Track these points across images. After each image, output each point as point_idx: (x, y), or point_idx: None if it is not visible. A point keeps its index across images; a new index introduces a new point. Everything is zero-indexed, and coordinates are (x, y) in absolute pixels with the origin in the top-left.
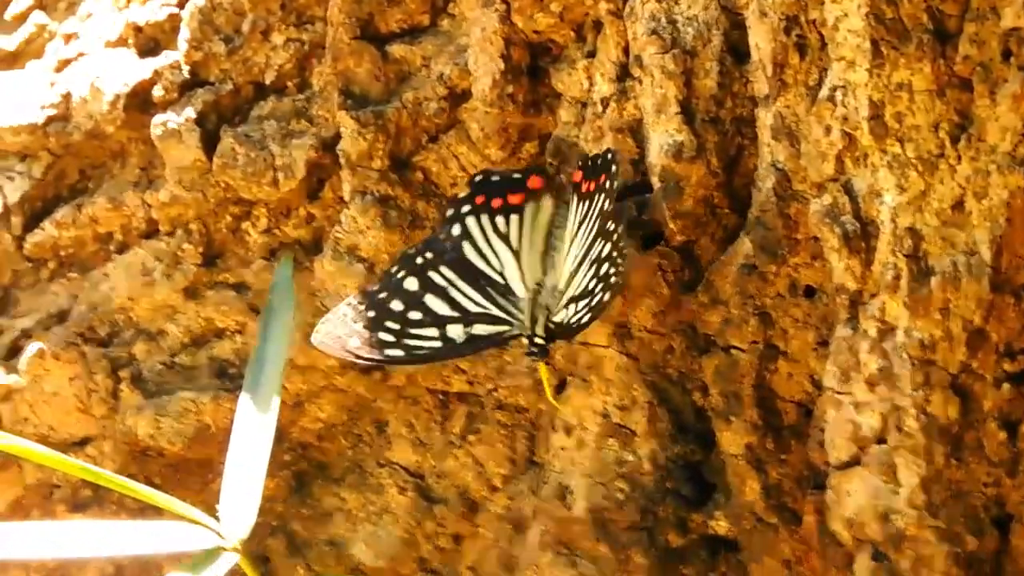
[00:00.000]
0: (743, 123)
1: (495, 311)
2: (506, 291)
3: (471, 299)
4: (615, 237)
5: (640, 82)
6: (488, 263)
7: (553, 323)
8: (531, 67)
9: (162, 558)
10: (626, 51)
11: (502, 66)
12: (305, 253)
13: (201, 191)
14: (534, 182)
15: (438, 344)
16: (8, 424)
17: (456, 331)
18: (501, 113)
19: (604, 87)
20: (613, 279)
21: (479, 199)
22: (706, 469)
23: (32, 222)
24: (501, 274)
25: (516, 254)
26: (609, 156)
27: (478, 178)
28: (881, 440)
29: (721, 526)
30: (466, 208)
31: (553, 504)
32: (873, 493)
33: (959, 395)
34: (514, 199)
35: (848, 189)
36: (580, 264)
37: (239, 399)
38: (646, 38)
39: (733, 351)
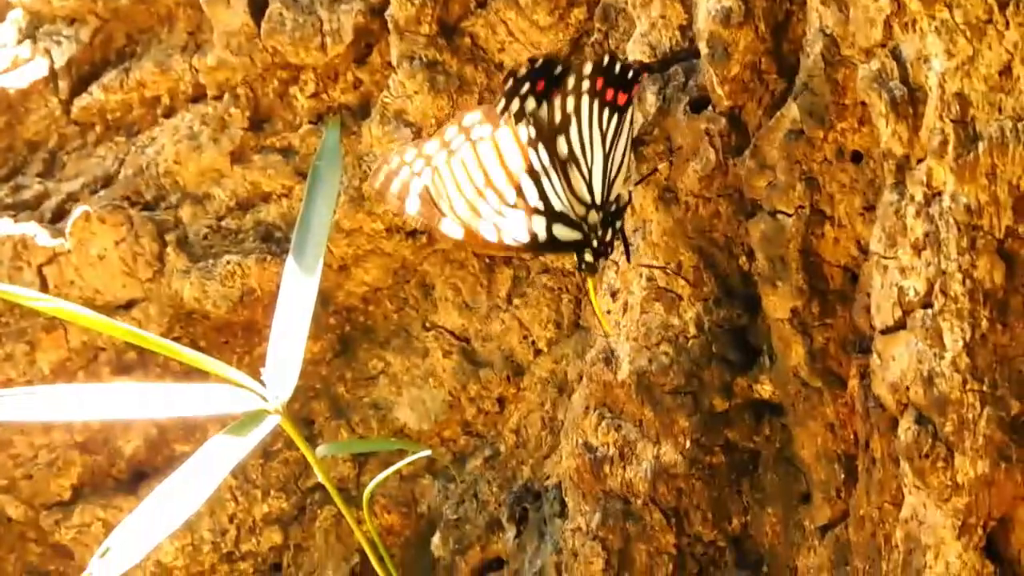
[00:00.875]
0: None
1: (573, 215)
2: (587, 192)
3: (557, 193)
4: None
5: None
6: (584, 154)
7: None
8: None
9: (206, 420)
10: None
11: None
12: (353, 118)
13: (248, 56)
14: (636, 90)
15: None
16: (54, 287)
17: (540, 225)
18: None
19: None
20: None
21: (599, 82)
22: (751, 333)
23: (79, 86)
24: (590, 171)
25: (606, 157)
26: (635, 70)
27: (605, 61)
28: (927, 305)
29: (766, 390)
30: (587, 85)
31: (598, 368)
32: (918, 357)
33: (1005, 260)
34: (621, 98)
35: (896, 55)
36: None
37: (285, 262)
38: None
39: (779, 216)
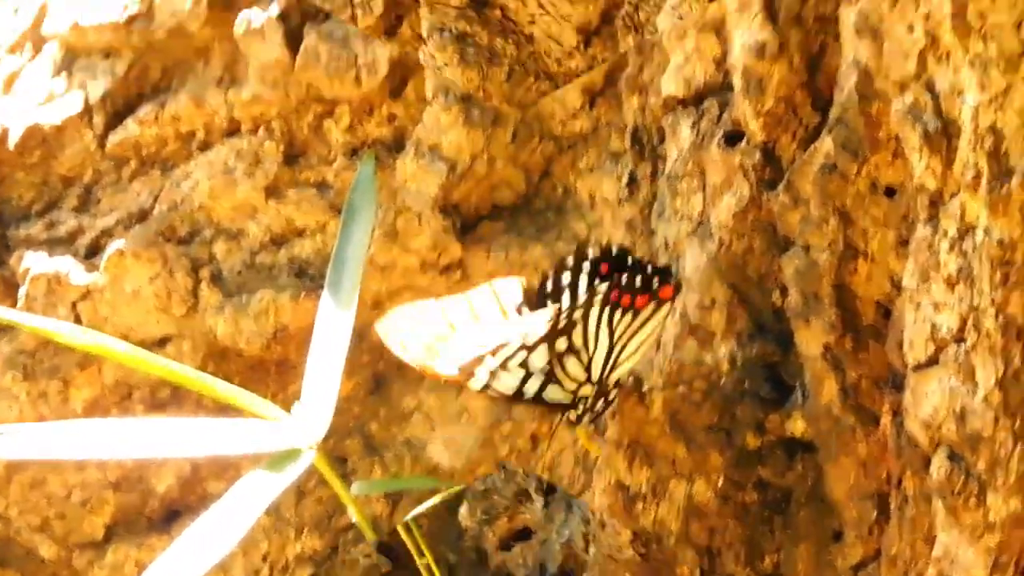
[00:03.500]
0: (826, 21)
1: (568, 383)
2: (585, 370)
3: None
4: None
5: None
6: (585, 344)
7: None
8: None
9: (240, 458)
10: None
11: None
12: (387, 152)
13: (284, 89)
14: (665, 292)
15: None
16: (88, 323)
17: (533, 386)
18: None
19: None
20: None
21: (613, 295)
22: (784, 370)
23: (114, 120)
24: (590, 360)
25: (611, 347)
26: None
27: (624, 280)
28: (959, 340)
29: (798, 427)
30: (599, 299)
31: (631, 404)
32: (950, 394)
33: None
34: (640, 303)
35: (930, 88)
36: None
37: (319, 298)
38: None
39: (813, 251)
